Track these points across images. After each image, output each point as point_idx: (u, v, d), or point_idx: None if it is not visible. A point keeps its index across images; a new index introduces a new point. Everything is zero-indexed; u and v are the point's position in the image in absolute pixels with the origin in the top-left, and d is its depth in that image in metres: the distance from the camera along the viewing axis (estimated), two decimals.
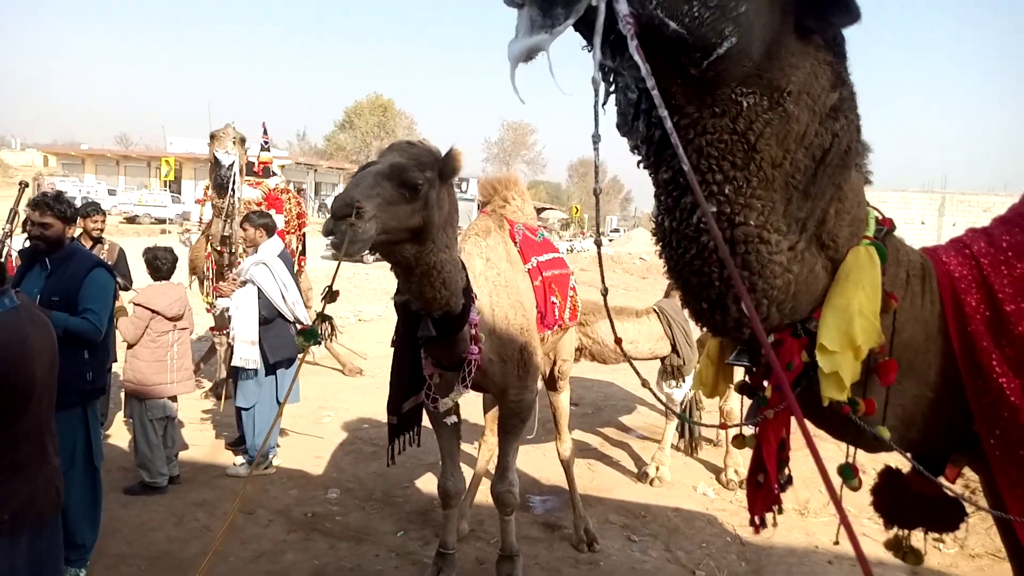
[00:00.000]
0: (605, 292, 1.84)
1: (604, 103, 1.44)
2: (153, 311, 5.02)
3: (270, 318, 5.39)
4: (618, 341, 2.18)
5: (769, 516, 1.85)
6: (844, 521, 1.02)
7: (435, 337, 3.13)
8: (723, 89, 1.45)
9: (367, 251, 2.70)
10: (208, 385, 7.59)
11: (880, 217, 1.83)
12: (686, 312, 1.80)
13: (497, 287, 3.57)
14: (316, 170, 47.64)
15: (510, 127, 69.23)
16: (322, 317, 2.63)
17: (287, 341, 5.43)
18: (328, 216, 2.59)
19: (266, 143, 8.17)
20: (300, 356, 4.59)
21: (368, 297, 15.29)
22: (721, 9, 1.35)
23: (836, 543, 2.68)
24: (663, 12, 1.32)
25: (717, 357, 2.07)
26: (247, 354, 5.31)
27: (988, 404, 1.69)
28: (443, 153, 2.96)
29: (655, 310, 5.59)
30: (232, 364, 5.54)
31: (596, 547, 4.50)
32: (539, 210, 58.33)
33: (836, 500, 1.05)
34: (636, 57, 1.23)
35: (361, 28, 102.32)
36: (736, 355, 1.94)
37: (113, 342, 5.12)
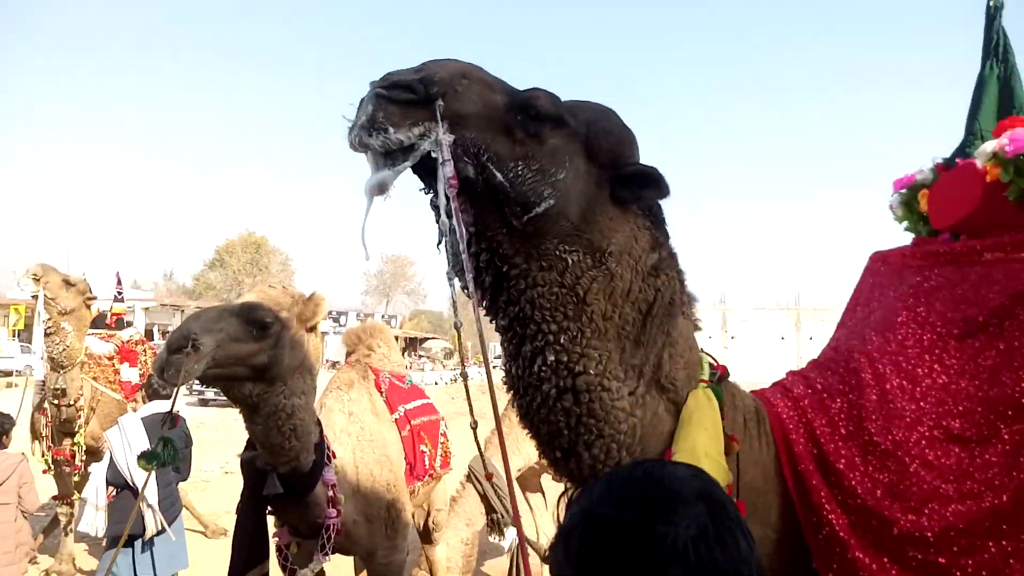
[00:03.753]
0: (475, 425, 1.79)
1: (439, 243, 1.55)
2: None
3: (115, 484, 4.89)
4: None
5: None
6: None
7: (283, 497, 2.94)
8: (546, 244, 1.56)
9: (204, 385, 2.64)
10: (50, 563, 6.66)
11: (713, 363, 1.94)
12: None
13: (361, 442, 3.44)
14: (183, 311, 45.47)
15: (389, 260, 69.84)
16: (164, 440, 2.57)
17: (129, 515, 4.90)
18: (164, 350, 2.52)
19: (120, 293, 7.80)
20: (145, 478, 4.27)
21: (236, 447, 14.32)
22: (542, 172, 1.53)
23: None
24: (492, 164, 1.50)
25: None
26: (88, 518, 4.85)
27: (823, 540, 1.77)
28: (306, 297, 2.92)
29: (467, 475, 5.35)
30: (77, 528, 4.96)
31: None
32: (421, 340, 58.31)
33: None
34: (444, 203, 1.44)
35: (232, 163, 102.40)
36: None
37: None
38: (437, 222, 1.50)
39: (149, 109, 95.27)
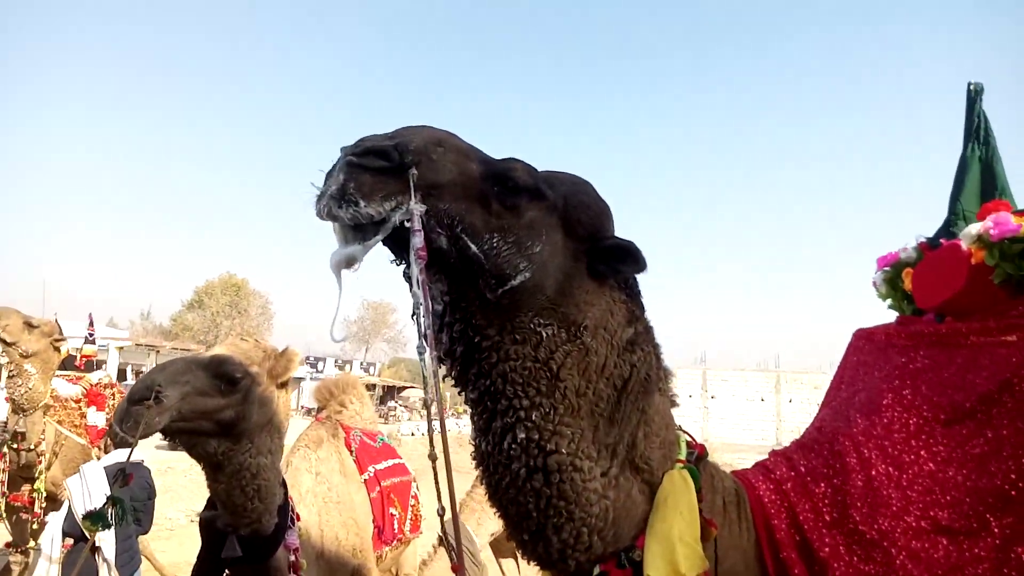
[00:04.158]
0: (433, 458, 1.65)
1: (412, 315, 1.47)
2: None
3: (72, 535, 4.68)
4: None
5: None
6: None
7: (242, 561, 2.79)
8: (521, 317, 1.52)
9: (168, 438, 2.55)
10: None
11: (691, 440, 1.88)
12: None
13: (328, 504, 3.31)
14: (159, 351, 44.77)
15: (370, 306, 69.52)
16: (112, 500, 2.47)
17: (85, 569, 4.68)
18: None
19: (91, 335, 7.62)
20: (87, 543, 4.11)
21: (203, 493, 13.84)
22: (518, 245, 1.50)
23: None
24: (467, 235, 1.46)
25: None
26: (41, 571, 4.59)
27: None
28: (278, 351, 2.83)
29: (439, 537, 5.25)
30: None
31: None
32: (400, 389, 57.67)
33: None
34: (416, 274, 1.39)
35: (214, 204, 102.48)
36: None
37: None
38: (410, 292, 1.44)
39: (130, 146, 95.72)
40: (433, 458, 1.60)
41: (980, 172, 2.60)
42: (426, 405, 1.47)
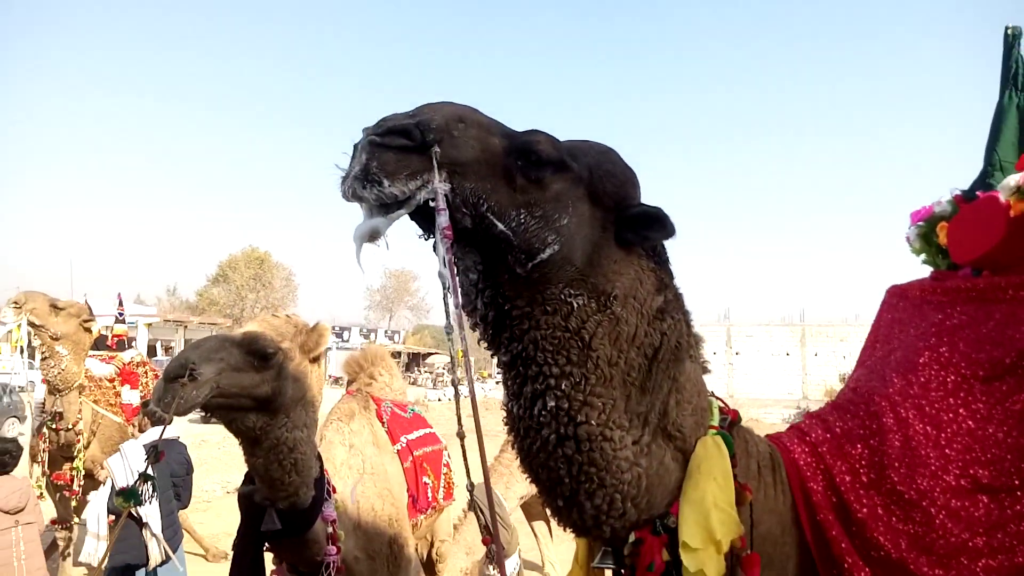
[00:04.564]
0: (463, 436, 1.65)
1: (443, 295, 1.46)
2: None
3: (117, 513, 4.83)
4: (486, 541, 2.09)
5: None
6: None
7: (282, 533, 2.85)
8: (551, 289, 1.52)
9: (201, 414, 2.57)
10: None
11: (724, 406, 1.87)
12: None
13: (362, 476, 3.36)
14: (186, 327, 45.51)
15: (392, 274, 69.88)
16: (144, 477, 2.45)
17: (133, 544, 4.84)
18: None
19: (121, 314, 7.74)
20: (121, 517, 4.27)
21: (239, 466, 14.16)
22: (545, 219, 1.49)
23: None
24: (493, 214, 1.46)
25: (585, 560, 2.00)
26: (89, 547, 4.84)
27: None
28: (309, 327, 2.86)
29: (468, 502, 5.29)
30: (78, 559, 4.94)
31: None
32: (424, 355, 58.23)
33: None
34: (443, 253, 1.40)
35: (236, 178, 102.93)
36: (601, 557, 1.87)
37: None
38: (438, 274, 1.44)
39: (153, 123, 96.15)
40: (462, 436, 1.62)
41: (1018, 120, 2.51)
42: (454, 384, 1.47)
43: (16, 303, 6.19)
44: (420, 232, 1.54)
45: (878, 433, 1.84)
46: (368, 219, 1.42)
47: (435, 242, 1.42)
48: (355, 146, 1.44)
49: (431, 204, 1.41)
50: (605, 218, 1.59)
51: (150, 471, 2.50)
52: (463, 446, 1.62)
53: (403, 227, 1.50)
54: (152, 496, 4.72)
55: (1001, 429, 1.77)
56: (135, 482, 2.43)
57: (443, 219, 1.39)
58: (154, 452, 2.56)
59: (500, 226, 1.47)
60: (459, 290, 1.46)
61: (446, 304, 1.45)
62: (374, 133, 1.41)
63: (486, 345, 1.63)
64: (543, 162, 1.50)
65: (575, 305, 1.53)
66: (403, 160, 1.40)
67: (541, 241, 1.49)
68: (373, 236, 1.42)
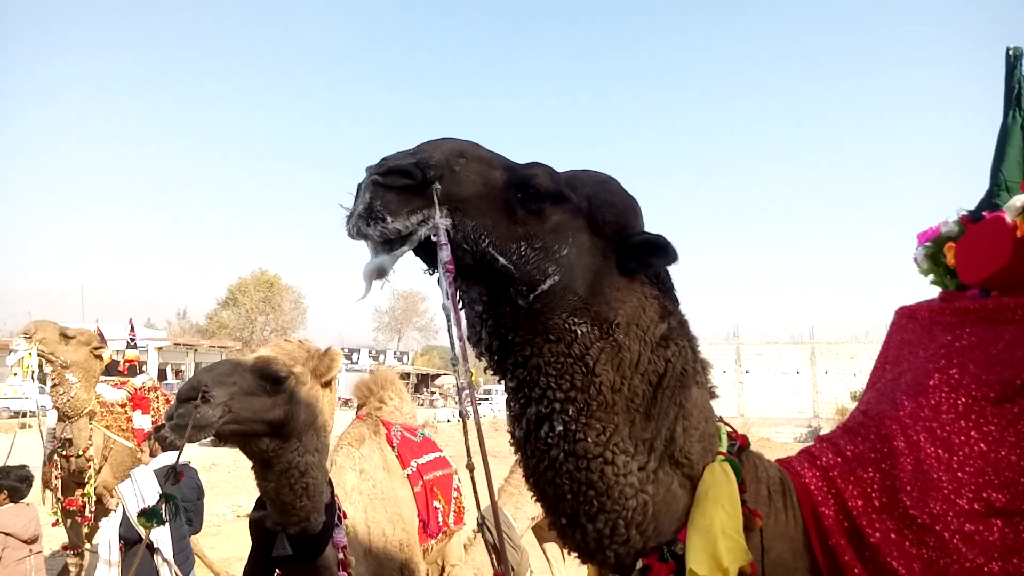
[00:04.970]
0: (471, 468, 1.68)
1: (448, 327, 1.52)
2: (6, 534, 4.50)
3: (128, 539, 4.83)
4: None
5: None
6: None
7: (292, 559, 2.85)
8: (555, 319, 1.54)
9: (211, 438, 2.60)
10: None
11: (732, 432, 1.87)
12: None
13: (373, 500, 3.36)
14: (196, 350, 45.67)
15: (400, 296, 70.05)
16: (166, 497, 2.54)
17: (144, 570, 4.83)
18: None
19: (132, 340, 7.78)
20: (142, 544, 4.29)
21: (249, 489, 14.16)
22: (545, 250, 1.53)
23: None
24: (494, 249, 1.50)
25: None
26: (100, 574, 4.82)
27: None
28: (322, 352, 2.89)
29: (478, 523, 5.29)
30: None
31: None
32: (433, 376, 58.13)
33: None
34: (446, 287, 1.45)
35: (244, 202, 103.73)
36: None
37: None
38: (442, 307, 1.50)
39: (163, 148, 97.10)
40: (471, 468, 1.65)
41: (1022, 140, 2.52)
42: (462, 416, 1.50)
43: (26, 333, 6.26)
44: (424, 267, 1.58)
45: (889, 456, 1.83)
46: (374, 257, 1.48)
47: (439, 276, 1.46)
48: (359, 185, 1.49)
49: (432, 240, 1.45)
50: (606, 247, 1.61)
51: (171, 491, 2.52)
52: (473, 478, 1.64)
53: (410, 259, 1.54)
54: (176, 515, 4.73)
55: (1014, 452, 1.76)
56: (157, 502, 2.46)
57: (445, 254, 1.44)
58: (172, 473, 2.59)
59: (501, 260, 1.50)
60: (464, 322, 1.52)
61: (451, 336, 1.48)
62: (376, 173, 1.46)
63: (492, 372, 1.66)
64: (541, 195, 1.54)
65: (578, 333, 1.55)
66: (405, 198, 1.45)
67: (541, 272, 1.52)
68: (380, 273, 1.47)
